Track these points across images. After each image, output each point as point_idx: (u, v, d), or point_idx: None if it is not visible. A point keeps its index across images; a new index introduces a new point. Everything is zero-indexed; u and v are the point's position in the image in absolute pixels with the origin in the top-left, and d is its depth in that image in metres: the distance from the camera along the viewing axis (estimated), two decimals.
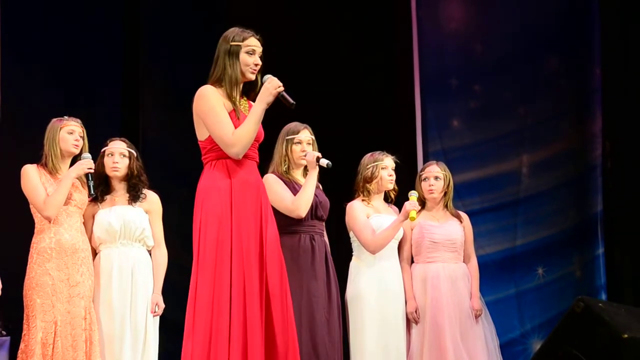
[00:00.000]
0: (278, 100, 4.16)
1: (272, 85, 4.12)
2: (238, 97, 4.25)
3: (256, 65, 4.22)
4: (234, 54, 4.22)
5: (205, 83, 4.27)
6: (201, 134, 4.23)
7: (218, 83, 4.24)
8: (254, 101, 4.21)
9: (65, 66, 7.00)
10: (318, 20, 7.84)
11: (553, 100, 7.49)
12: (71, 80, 6.99)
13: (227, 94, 4.21)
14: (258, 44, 4.26)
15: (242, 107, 4.25)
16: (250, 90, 4.31)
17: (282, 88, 4.12)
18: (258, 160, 4.30)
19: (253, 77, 4.23)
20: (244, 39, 4.23)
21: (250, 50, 4.22)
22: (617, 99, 7.10)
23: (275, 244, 4.20)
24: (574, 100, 7.45)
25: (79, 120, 5.16)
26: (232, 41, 4.23)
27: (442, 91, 7.71)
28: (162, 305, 5.19)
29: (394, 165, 5.49)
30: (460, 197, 6.89)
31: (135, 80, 7.40)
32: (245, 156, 4.18)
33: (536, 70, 7.54)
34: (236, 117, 4.17)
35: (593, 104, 7.32)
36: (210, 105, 4.16)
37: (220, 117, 4.14)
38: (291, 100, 4.13)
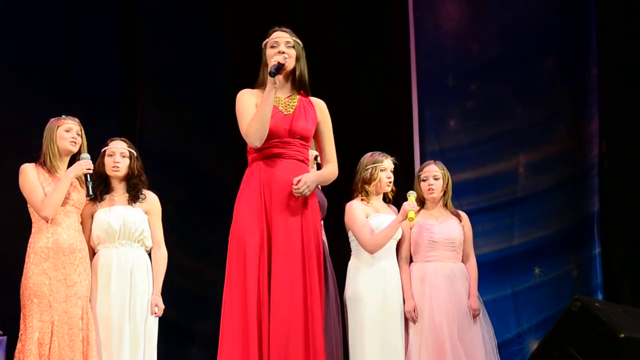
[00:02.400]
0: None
1: (270, 64, 4.19)
2: (279, 96, 4.28)
3: (281, 53, 4.24)
4: (264, 54, 4.32)
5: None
6: None
7: (262, 85, 4.30)
8: (306, 95, 4.32)
9: (63, 67, 7.01)
10: (316, 20, 7.84)
11: (550, 100, 7.49)
12: (69, 81, 7.00)
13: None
14: (281, 34, 4.30)
15: (282, 104, 4.27)
16: (301, 87, 4.34)
17: (274, 64, 4.16)
18: (302, 158, 4.31)
19: (287, 65, 4.24)
20: (268, 36, 4.33)
21: (272, 43, 4.29)
22: (613, 99, 7.10)
23: (315, 242, 4.24)
24: (571, 101, 7.45)
25: (76, 119, 5.16)
26: (264, 42, 4.29)
27: (439, 91, 7.72)
28: (162, 306, 5.18)
29: (392, 167, 5.49)
30: (457, 197, 6.88)
31: (133, 81, 7.41)
32: (280, 155, 4.23)
33: (533, 70, 7.54)
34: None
35: (590, 104, 7.32)
36: (237, 106, 4.27)
37: (242, 115, 4.24)
38: (273, 70, 4.16)
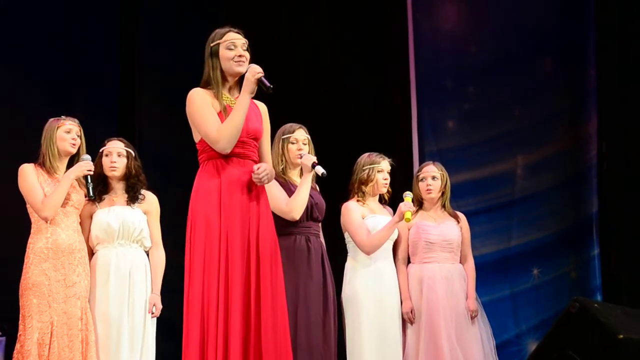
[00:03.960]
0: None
1: (251, 73, 4.11)
2: (228, 96, 4.23)
3: (240, 56, 4.20)
4: (214, 54, 4.23)
5: (197, 86, 4.28)
6: (195, 136, 4.26)
7: (207, 85, 4.25)
8: (254, 98, 4.23)
9: (62, 67, 7.01)
10: (315, 22, 7.85)
11: (548, 101, 7.49)
12: (68, 81, 7.00)
13: (215, 95, 4.21)
14: (238, 36, 4.23)
15: (234, 105, 4.20)
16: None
17: (261, 73, 4.11)
18: (256, 159, 4.26)
19: (242, 69, 4.18)
20: (222, 36, 4.24)
21: (229, 45, 4.21)
22: (612, 99, 7.11)
23: (270, 243, 4.19)
24: (569, 101, 7.46)
25: (76, 120, 5.16)
26: (212, 42, 4.25)
27: (437, 93, 7.72)
28: (160, 306, 5.18)
29: (389, 168, 5.49)
30: (455, 198, 6.88)
31: (131, 80, 7.41)
32: (238, 155, 4.18)
33: (531, 71, 7.54)
34: (224, 117, 4.16)
35: (588, 104, 7.33)
36: (196, 107, 4.18)
37: (205, 116, 4.15)
38: (268, 84, 4.10)
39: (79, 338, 4.91)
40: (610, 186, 7.11)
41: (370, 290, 5.29)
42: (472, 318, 5.46)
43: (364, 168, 5.44)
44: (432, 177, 5.59)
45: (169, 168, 7.26)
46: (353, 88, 7.75)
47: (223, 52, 4.22)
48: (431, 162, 5.72)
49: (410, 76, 7.73)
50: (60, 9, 7.08)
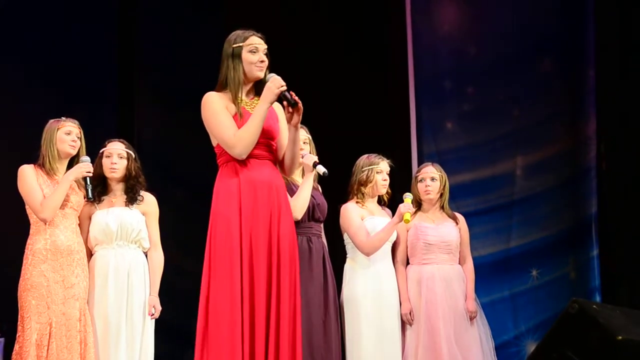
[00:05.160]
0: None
1: (274, 85, 4.12)
2: (244, 99, 4.24)
3: (261, 62, 4.21)
4: (236, 55, 4.23)
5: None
6: (213, 140, 4.27)
7: (224, 87, 4.25)
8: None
9: (61, 67, 7.01)
10: (315, 23, 7.85)
11: (547, 102, 7.49)
12: (67, 81, 7.00)
13: (232, 97, 4.21)
14: (260, 41, 4.25)
15: (249, 106, 4.23)
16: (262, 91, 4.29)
17: (284, 87, 4.12)
18: (273, 159, 4.26)
19: (261, 74, 4.20)
20: (245, 39, 4.23)
21: (252, 49, 4.21)
22: (611, 100, 7.10)
23: (290, 243, 4.18)
24: (568, 102, 7.45)
25: (76, 121, 5.16)
26: (234, 44, 4.23)
27: (436, 94, 7.72)
28: (160, 308, 5.18)
29: (388, 169, 5.49)
30: (455, 199, 6.89)
31: (131, 81, 7.41)
32: (255, 156, 4.18)
33: (530, 72, 7.54)
34: (239, 119, 4.16)
35: (587, 105, 7.32)
36: (212, 111, 4.19)
37: (221, 121, 4.16)
38: (293, 100, 4.13)
39: (78, 339, 4.91)
40: (609, 187, 7.11)
41: (369, 292, 5.29)
42: (471, 319, 5.46)
43: (363, 169, 5.44)
44: (431, 178, 5.60)
45: (168, 168, 7.26)
46: (353, 88, 7.75)
47: (246, 55, 4.21)
48: (430, 163, 5.72)
49: (409, 77, 7.73)
50: (60, 9, 7.08)
